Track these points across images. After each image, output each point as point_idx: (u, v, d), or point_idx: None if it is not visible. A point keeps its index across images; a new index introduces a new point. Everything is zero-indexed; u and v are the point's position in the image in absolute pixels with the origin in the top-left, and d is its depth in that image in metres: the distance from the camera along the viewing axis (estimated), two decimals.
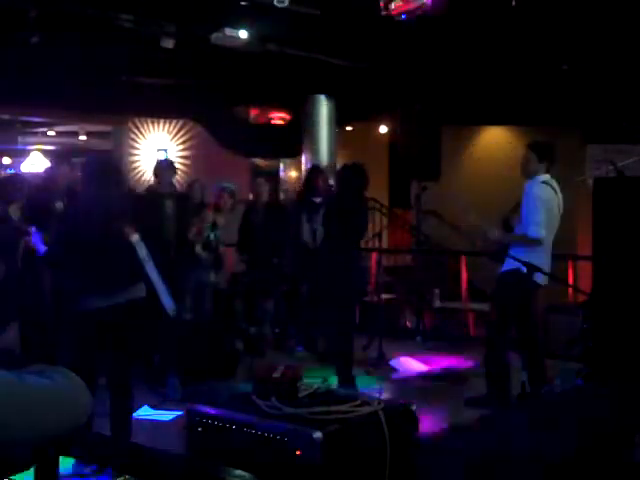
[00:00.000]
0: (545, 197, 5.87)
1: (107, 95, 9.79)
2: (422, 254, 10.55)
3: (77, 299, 4.48)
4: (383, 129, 12.22)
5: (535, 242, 5.78)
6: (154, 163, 7.68)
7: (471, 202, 9.88)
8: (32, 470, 1.57)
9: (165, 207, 7.08)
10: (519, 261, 5.59)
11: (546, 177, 5.98)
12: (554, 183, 6.03)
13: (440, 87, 9.47)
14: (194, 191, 8.16)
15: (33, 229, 5.19)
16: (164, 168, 7.41)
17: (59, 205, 6.40)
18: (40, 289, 6.56)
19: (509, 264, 5.91)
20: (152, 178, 7.74)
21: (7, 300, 6.25)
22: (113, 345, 4.56)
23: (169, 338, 6.75)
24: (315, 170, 8.43)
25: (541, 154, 6.00)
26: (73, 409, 1.46)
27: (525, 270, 5.69)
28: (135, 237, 4.43)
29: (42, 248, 4.85)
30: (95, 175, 4.55)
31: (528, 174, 5.99)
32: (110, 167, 4.76)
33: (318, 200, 7.91)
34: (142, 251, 4.45)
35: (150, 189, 7.59)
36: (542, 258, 5.74)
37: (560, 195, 6.05)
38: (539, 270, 5.60)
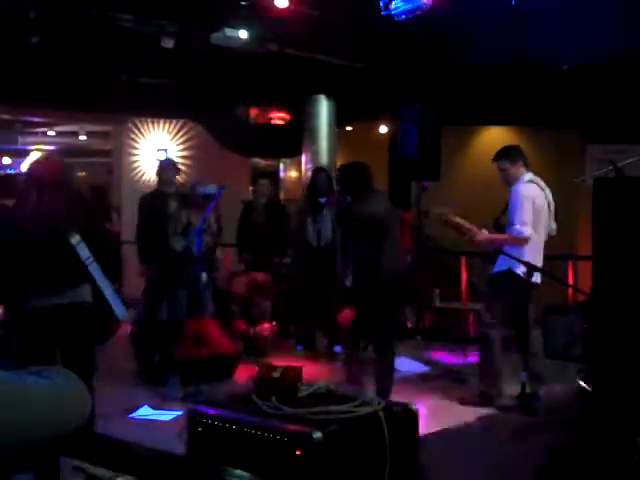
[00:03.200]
0: (530, 194, 5.88)
1: (107, 95, 9.79)
2: (422, 254, 10.55)
3: (19, 298, 4.39)
4: (383, 129, 12.21)
5: (521, 241, 5.79)
6: (156, 163, 7.69)
7: (470, 203, 9.88)
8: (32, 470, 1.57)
9: (169, 207, 7.11)
10: (520, 261, 5.59)
11: (529, 176, 6.00)
12: (539, 180, 6.05)
13: (440, 87, 9.47)
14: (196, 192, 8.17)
15: None
16: (166, 167, 7.48)
17: None
18: None
19: (501, 265, 5.92)
20: (155, 178, 7.76)
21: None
22: (61, 348, 4.42)
23: (168, 338, 6.76)
24: (320, 171, 8.43)
25: (511, 157, 6.03)
26: (73, 409, 1.46)
27: (518, 270, 5.71)
28: (75, 238, 4.30)
29: None
30: (34, 178, 4.45)
31: (511, 181, 6.01)
32: (52, 169, 4.57)
33: (323, 201, 7.91)
34: (84, 252, 4.31)
35: (155, 190, 7.60)
36: (530, 256, 5.75)
37: (548, 191, 6.06)
38: (536, 268, 5.61)
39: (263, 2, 6.83)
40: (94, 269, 4.34)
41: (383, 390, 5.66)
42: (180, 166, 7.99)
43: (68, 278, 4.37)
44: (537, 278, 5.84)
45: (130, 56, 8.51)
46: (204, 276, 6.92)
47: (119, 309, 4.49)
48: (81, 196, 4.91)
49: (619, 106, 9.17)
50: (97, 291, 4.42)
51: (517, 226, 5.78)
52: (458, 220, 6.13)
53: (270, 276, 8.37)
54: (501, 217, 6.16)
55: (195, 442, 3.20)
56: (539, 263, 5.91)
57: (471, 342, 8.11)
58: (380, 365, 5.85)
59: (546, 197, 6.04)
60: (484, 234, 6.03)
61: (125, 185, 11.85)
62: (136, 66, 9.02)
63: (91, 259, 4.32)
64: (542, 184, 6.05)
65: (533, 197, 5.89)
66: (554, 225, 6.16)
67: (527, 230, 5.79)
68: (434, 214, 6.27)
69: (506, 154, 6.07)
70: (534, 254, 5.88)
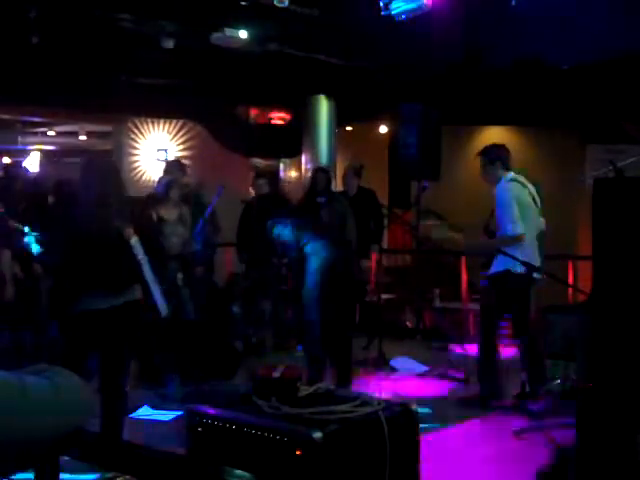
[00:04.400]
0: (514, 193, 5.92)
1: (107, 95, 9.79)
2: (422, 254, 10.55)
3: (77, 300, 4.47)
4: (383, 129, 12.21)
5: (516, 239, 5.81)
6: (163, 164, 7.69)
7: (470, 203, 9.88)
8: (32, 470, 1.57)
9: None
10: (518, 260, 5.59)
11: (510, 175, 6.03)
12: (521, 178, 6.08)
13: (440, 87, 9.46)
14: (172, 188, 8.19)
15: (26, 229, 5.09)
16: (173, 169, 7.47)
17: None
18: (37, 290, 6.56)
19: (498, 266, 5.93)
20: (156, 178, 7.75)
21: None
22: (108, 347, 4.52)
23: (169, 338, 6.75)
24: (319, 170, 8.41)
25: (490, 156, 6.06)
26: (73, 409, 1.46)
27: (516, 269, 5.72)
28: (134, 239, 4.43)
29: (36, 249, 4.77)
30: (95, 176, 4.52)
31: (490, 180, 6.07)
32: (110, 168, 4.73)
33: (322, 200, 7.88)
34: (140, 253, 4.46)
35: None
36: (526, 253, 5.76)
37: (531, 187, 6.09)
38: (534, 268, 5.62)
39: (263, 2, 6.83)
40: (146, 270, 4.50)
41: None
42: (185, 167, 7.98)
43: (128, 279, 4.50)
44: (536, 274, 5.86)
45: (130, 56, 8.51)
46: (180, 275, 6.89)
47: (162, 307, 4.71)
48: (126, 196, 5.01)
49: (619, 106, 9.17)
50: (145, 288, 4.59)
51: (508, 225, 5.80)
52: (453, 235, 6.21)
53: (270, 276, 8.37)
54: (490, 222, 6.18)
55: (195, 442, 3.20)
56: (536, 259, 5.92)
57: (471, 342, 8.12)
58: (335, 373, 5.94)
59: (530, 193, 6.06)
60: (478, 242, 6.10)
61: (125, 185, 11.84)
62: (136, 66, 9.01)
63: (145, 259, 4.46)
64: (524, 181, 6.08)
65: (516, 195, 5.92)
66: (542, 220, 6.18)
67: (519, 228, 5.81)
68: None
69: (485, 153, 6.13)
70: (530, 251, 5.90)
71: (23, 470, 1.50)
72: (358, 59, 8.74)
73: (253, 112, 11.87)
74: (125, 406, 4.73)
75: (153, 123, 11.92)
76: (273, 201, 8.59)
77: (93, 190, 4.45)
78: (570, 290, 8.44)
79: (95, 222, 4.39)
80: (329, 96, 10.13)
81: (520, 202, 5.90)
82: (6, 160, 15.64)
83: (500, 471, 4.75)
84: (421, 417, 3.32)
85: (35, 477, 1.57)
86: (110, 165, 4.85)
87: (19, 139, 14.86)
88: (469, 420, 5.75)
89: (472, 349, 7.57)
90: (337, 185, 9.72)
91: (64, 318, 4.61)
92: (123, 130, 11.95)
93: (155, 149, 11.84)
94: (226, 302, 8.27)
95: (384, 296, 9.17)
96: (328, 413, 3.02)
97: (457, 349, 8.38)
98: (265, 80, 9.66)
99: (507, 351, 6.59)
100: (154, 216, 6.89)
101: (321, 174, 8.12)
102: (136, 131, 11.89)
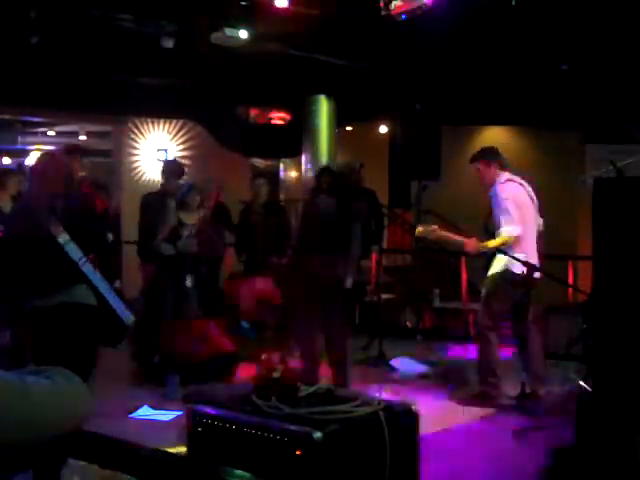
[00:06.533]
0: (510, 193, 5.91)
1: (107, 95, 9.79)
2: (422, 254, 10.55)
3: (18, 298, 4.44)
4: (383, 129, 12.21)
5: (512, 240, 5.80)
6: (161, 163, 7.69)
7: (470, 202, 9.87)
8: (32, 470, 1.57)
9: (167, 208, 7.10)
10: (518, 260, 5.59)
11: (506, 175, 6.03)
12: (518, 178, 6.08)
13: (440, 87, 9.47)
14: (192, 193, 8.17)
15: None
16: (171, 170, 7.46)
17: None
18: None
19: (497, 266, 5.93)
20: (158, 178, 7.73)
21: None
22: (53, 348, 4.34)
23: (169, 338, 6.75)
24: (325, 171, 8.41)
25: (483, 159, 6.07)
26: (73, 409, 1.46)
27: (514, 269, 5.71)
28: (63, 237, 4.18)
29: None
30: (30, 176, 4.58)
31: (488, 183, 6.06)
32: (46, 167, 4.57)
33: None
34: (75, 253, 4.19)
35: (158, 189, 7.60)
36: (525, 253, 5.75)
37: (528, 186, 6.08)
38: (534, 268, 5.62)
39: (263, 2, 6.83)
40: (88, 270, 4.24)
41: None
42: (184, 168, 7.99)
43: (58, 278, 4.28)
44: (536, 274, 5.86)
45: (130, 56, 8.50)
46: (189, 278, 6.88)
47: (123, 314, 4.38)
48: (81, 194, 4.90)
49: (619, 106, 9.18)
50: (100, 294, 4.34)
51: (504, 227, 5.80)
52: (446, 234, 6.14)
53: (272, 280, 8.36)
54: (489, 222, 6.18)
55: (195, 442, 3.20)
56: (534, 259, 5.92)
57: (471, 342, 8.12)
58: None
59: (528, 193, 6.06)
60: (473, 244, 5.99)
61: (125, 185, 11.84)
62: (136, 66, 9.01)
63: (84, 260, 4.21)
64: (521, 181, 6.08)
65: (513, 195, 5.91)
66: (540, 220, 6.18)
67: (516, 229, 5.80)
68: (420, 233, 6.19)
69: (479, 156, 6.14)
70: (529, 251, 5.89)
71: (23, 470, 1.50)
72: (358, 59, 8.73)
73: (253, 112, 11.87)
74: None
75: (153, 123, 11.92)
76: (270, 209, 8.61)
77: (29, 191, 4.48)
78: (570, 290, 8.44)
79: (24, 220, 4.32)
80: (329, 96, 10.13)
81: (518, 202, 5.90)
82: (6, 160, 15.67)
83: (500, 471, 4.75)
84: (421, 417, 3.32)
85: (35, 477, 1.57)
86: (49, 164, 4.61)
87: (19, 139, 14.86)
88: (469, 420, 5.75)
89: (472, 349, 7.58)
90: None
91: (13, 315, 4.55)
92: (123, 130, 11.95)
93: (155, 149, 11.84)
94: (235, 314, 8.28)
95: (384, 296, 9.17)
96: (328, 413, 3.02)
97: (457, 349, 8.39)
98: (265, 80, 9.66)
99: (507, 351, 6.59)
100: (174, 219, 6.96)
101: (326, 174, 8.11)
102: (136, 131, 11.89)
